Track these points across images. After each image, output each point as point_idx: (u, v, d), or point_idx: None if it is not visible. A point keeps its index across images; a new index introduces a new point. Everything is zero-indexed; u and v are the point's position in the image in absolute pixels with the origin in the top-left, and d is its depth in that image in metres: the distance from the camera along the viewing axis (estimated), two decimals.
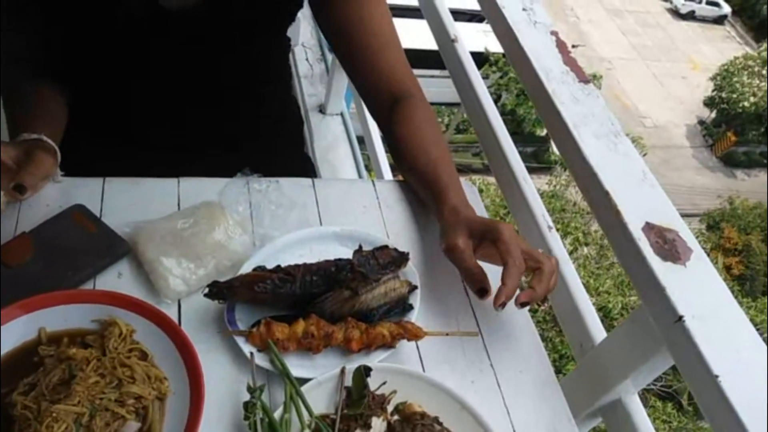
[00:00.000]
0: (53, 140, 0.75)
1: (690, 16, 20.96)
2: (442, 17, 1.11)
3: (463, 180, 0.89)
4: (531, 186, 0.91)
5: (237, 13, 0.80)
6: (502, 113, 14.11)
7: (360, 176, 1.91)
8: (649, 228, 0.65)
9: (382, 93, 0.83)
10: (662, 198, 0.69)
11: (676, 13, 21.29)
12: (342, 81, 1.99)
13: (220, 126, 0.95)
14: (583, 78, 0.80)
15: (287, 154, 1.08)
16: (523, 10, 0.89)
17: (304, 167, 1.12)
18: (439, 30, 1.12)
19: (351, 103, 2.16)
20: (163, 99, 0.87)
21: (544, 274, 0.65)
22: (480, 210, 0.84)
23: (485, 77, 14.13)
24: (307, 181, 0.83)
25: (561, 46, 0.84)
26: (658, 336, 0.62)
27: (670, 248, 0.64)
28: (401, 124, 0.81)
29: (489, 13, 0.91)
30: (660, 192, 0.70)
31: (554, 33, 0.86)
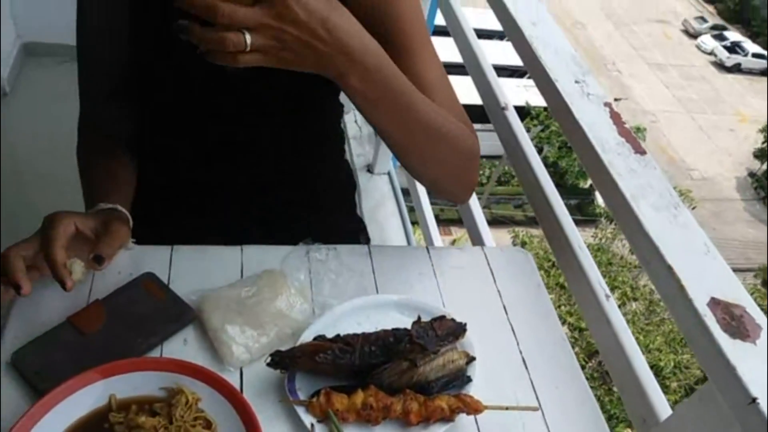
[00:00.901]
0: (126, 208, 0.79)
1: (736, 69, 20.73)
2: (493, 87, 1.14)
3: (517, 249, 0.90)
4: (587, 254, 0.91)
5: (293, 74, 0.82)
6: (545, 165, 14.16)
7: (406, 233, 1.93)
8: (714, 304, 0.63)
9: None
10: (726, 272, 0.68)
11: (721, 66, 21.11)
12: None
13: (279, 190, 0.98)
14: (639, 149, 0.81)
15: (342, 217, 1.11)
16: (576, 82, 0.90)
17: (357, 229, 1.14)
18: (489, 97, 1.15)
19: (397, 162, 2.19)
20: (224, 164, 0.91)
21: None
22: (535, 282, 0.84)
23: (527, 130, 14.16)
24: (363, 248, 0.84)
25: (615, 117, 0.85)
26: (729, 417, 0.60)
27: (738, 325, 0.62)
28: None
29: (542, 86, 0.93)
30: (724, 265, 0.69)
31: (608, 104, 0.87)
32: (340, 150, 1.10)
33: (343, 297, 0.75)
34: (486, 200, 13.48)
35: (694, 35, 22.73)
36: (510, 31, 1.03)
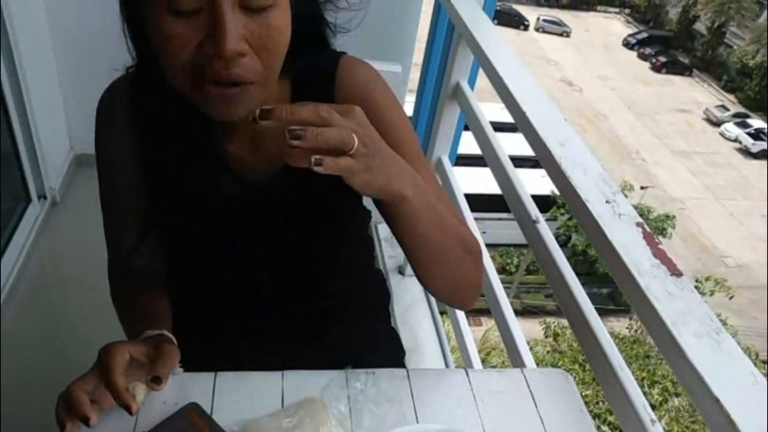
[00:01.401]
0: (170, 332, 0.82)
1: (762, 155, 20.74)
2: (524, 201, 1.17)
3: (558, 372, 0.89)
4: (628, 374, 0.89)
5: (315, 181, 0.85)
6: (573, 254, 13.90)
7: (442, 347, 1.90)
8: None
9: None
10: None
11: (746, 152, 21.16)
12: None
13: (310, 303, 0.99)
14: (675, 271, 0.81)
15: (375, 329, 1.11)
16: (607, 202, 0.93)
17: (391, 341, 1.14)
18: (520, 211, 1.18)
19: None
20: (254, 283, 0.93)
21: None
22: (577, 407, 0.83)
23: (553, 219, 14.17)
24: (402, 372, 0.85)
25: (648, 237, 0.87)
26: None
27: None
28: None
29: (573, 206, 0.95)
30: None
31: (640, 225, 0.89)
32: (371, 258, 1.11)
33: (383, 427, 0.74)
34: (515, 290, 13.28)
35: (716, 123, 22.98)
36: (539, 151, 1.07)
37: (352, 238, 1.01)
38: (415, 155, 0.83)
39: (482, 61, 1.38)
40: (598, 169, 1.01)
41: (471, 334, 1.67)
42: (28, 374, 1.53)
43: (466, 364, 1.63)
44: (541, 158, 1.07)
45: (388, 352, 1.12)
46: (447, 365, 1.81)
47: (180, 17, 0.64)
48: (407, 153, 0.79)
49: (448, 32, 1.97)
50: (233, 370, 0.82)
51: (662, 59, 26.86)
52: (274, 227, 0.89)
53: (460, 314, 1.71)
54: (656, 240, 0.87)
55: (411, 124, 0.86)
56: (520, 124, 1.16)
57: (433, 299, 2.07)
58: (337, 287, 1.00)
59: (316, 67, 0.83)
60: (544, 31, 28.45)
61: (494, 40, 1.41)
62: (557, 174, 1.01)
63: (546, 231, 1.14)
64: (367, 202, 0.86)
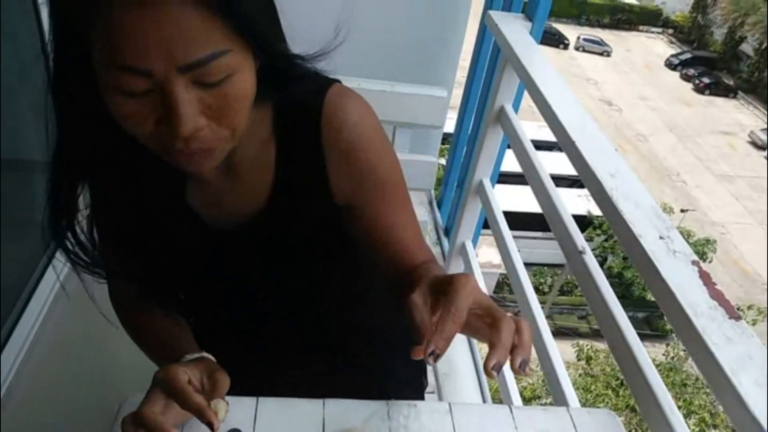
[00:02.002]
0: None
1: None
2: (570, 231, 1.14)
3: (605, 412, 0.86)
4: (678, 416, 0.86)
5: (289, 232, 0.84)
6: (609, 276, 13.62)
7: (475, 362, 1.88)
8: None
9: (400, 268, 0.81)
10: None
11: None
12: (458, 266, 2.05)
13: (330, 338, 0.99)
14: (734, 314, 0.78)
15: (407, 358, 1.10)
16: (660, 238, 0.90)
17: (416, 372, 1.13)
18: (566, 241, 1.16)
19: None
20: (285, 314, 0.94)
21: (502, 326, 0.58)
22: None
23: (589, 240, 13.92)
24: (444, 405, 0.83)
25: (705, 277, 0.84)
26: None
27: None
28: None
29: (625, 241, 0.93)
30: None
31: (695, 263, 0.86)
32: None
33: None
34: (548, 310, 13.06)
35: (762, 147, 22.32)
36: (588, 182, 1.05)
37: (353, 270, 0.97)
38: (398, 197, 0.84)
39: (529, 87, 1.37)
40: (652, 203, 0.98)
41: (512, 374, 1.64)
42: (59, 396, 1.53)
43: (502, 390, 1.59)
44: (590, 188, 1.04)
45: (408, 381, 1.12)
46: (482, 390, 1.78)
47: (131, 98, 0.60)
48: (389, 194, 0.82)
49: (492, 55, 1.96)
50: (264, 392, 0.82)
51: (706, 80, 26.29)
52: (267, 264, 0.87)
53: None
54: (713, 280, 0.84)
55: (398, 162, 0.84)
56: (568, 151, 1.13)
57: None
58: (357, 320, 1.00)
59: (302, 98, 0.77)
60: (584, 50, 28.17)
61: (541, 66, 1.40)
62: (608, 206, 0.98)
63: (592, 261, 1.12)
64: None
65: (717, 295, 0.81)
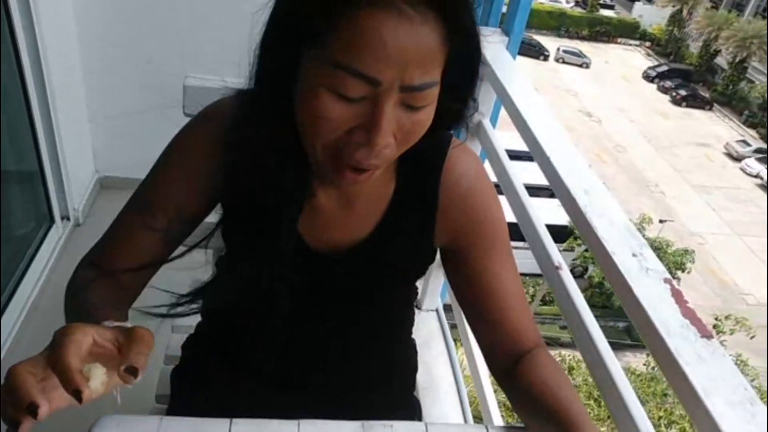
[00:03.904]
0: None
1: None
2: (546, 247, 1.15)
3: None
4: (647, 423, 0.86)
5: (385, 263, 0.86)
6: (590, 285, 13.72)
7: (456, 377, 1.88)
8: None
9: (505, 349, 0.85)
10: None
11: None
12: (438, 279, 2.04)
13: (341, 370, 0.99)
14: (706, 333, 0.78)
15: (398, 400, 1.09)
16: (633, 255, 0.90)
17: (413, 412, 1.12)
18: (543, 258, 1.16)
19: (445, 297, 2.19)
20: (296, 341, 0.93)
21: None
22: None
23: (570, 250, 14.03)
24: (420, 426, 0.82)
25: (677, 295, 0.84)
26: None
27: None
28: (533, 373, 0.79)
29: (598, 257, 0.93)
30: None
31: (668, 281, 0.86)
32: (410, 328, 1.11)
33: None
34: None
35: (737, 158, 22.78)
36: (563, 197, 1.06)
37: (398, 315, 1.03)
38: (504, 251, 0.87)
39: (505, 102, 1.37)
40: (624, 219, 0.99)
41: (489, 378, 1.63)
42: None
43: (483, 409, 1.59)
44: (565, 205, 1.05)
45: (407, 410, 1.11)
46: (463, 408, 1.77)
47: (341, 101, 0.62)
48: (497, 249, 0.86)
49: None
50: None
51: (682, 93, 26.80)
52: (328, 301, 0.89)
53: (477, 353, 1.68)
54: (685, 299, 0.84)
55: (505, 220, 0.89)
56: (543, 168, 1.14)
57: (449, 336, 2.04)
58: (373, 355, 1.00)
59: (425, 154, 0.80)
60: (564, 62, 28.59)
61: (518, 81, 1.41)
62: (582, 222, 0.99)
63: (569, 277, 1.12)
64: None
65: (689, 314, 0.81)
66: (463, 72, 0.68)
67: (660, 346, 0.77)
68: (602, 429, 8.30)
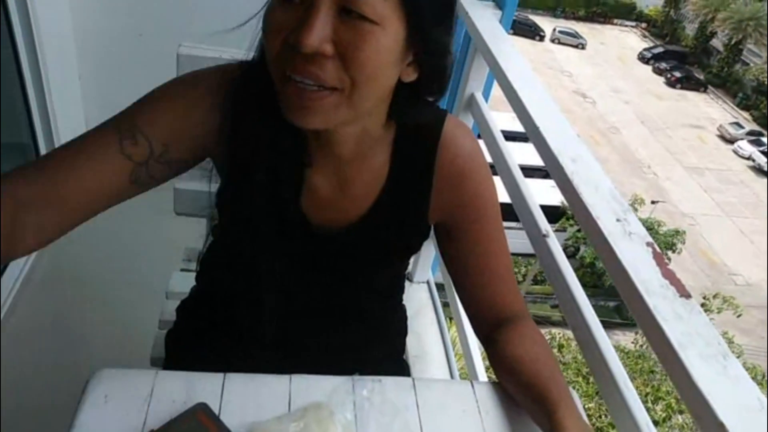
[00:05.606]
0: None
1: None
2: (534, 215, 1.17)
3: None
4: (632, 390, 0.89)
5: (381, 240, 0.89)
6: (581, 266, 13.82)
7: (445, 346, 1.92)
8: None
9: (489, 314, 0.89)
10: None
11: (759, 170, 21.02)
12: (430, 251, 2.07)
13: (334, 333, 1.01)
14: (684, 292, 0.82)
15: (387, 362, 1.12)
16: (618, 220, 0.93)
17: (400, 372, 1.15)
18: (531, 225, 1.18)
19: (437, 270, 2.22)
20: (291, 311, 0.95)
21: None
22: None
23: (562, 230, 14.12)
24: (408, 381, 0.85)
25: (658, 258, 0.87)
26: None
27: None
28: (511, 344, 0.83)
29: (584, 223, 0.95)
30: None
31: (650, 245, 0.89)
32: (401, 293, 1.13)
33: None
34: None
35: (730, 140, 22.87)
36: (551, 166, 1.08)
37: (390, 284, 1.06)
38: (496, 227, 0.90)
39: (497, 74, 1.39)
40: (610, 186, 1.01)
41: (477, 342, 1.67)
42: (28, 370, 1.55)
43: (470, 372, 1.63)
44: (552, 173, 1.07)
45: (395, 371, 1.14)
46: (452, 373, 1.82)
47: (283, 5, 0.65)
48: (490, 225, 0.89)
49: (464, 43, 1.98)
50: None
51: (677, 74, 26.77)
52: (329, 269, 0.92)
53: (467, 324, 1.71)
54: (665, 261, 0.87)
55: (497, 197, 0.91)
56: (532, 137, 1.16)
57: (440, 306, 2.08)
58: (362, 321, 1.03)
59: (422, 124, 0.84)
60: (559, 42, 28.43)
61: (510, 54, 1.42)
62: (568, 189, 1.01)
63: (555, 245, 1.15)
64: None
65: (668, 275, 0.84)
66: (435, 15, 0.68)
67: (640, 305, 0.80)
68: (590, 405, 8.45)
